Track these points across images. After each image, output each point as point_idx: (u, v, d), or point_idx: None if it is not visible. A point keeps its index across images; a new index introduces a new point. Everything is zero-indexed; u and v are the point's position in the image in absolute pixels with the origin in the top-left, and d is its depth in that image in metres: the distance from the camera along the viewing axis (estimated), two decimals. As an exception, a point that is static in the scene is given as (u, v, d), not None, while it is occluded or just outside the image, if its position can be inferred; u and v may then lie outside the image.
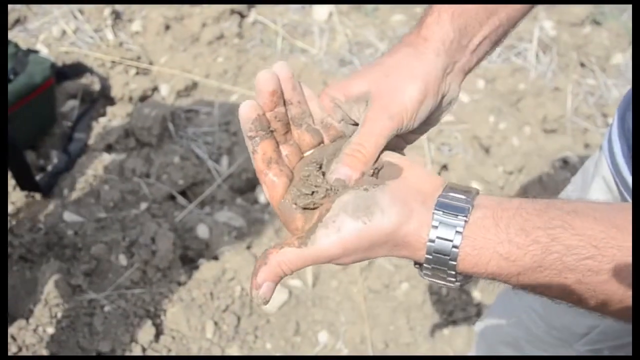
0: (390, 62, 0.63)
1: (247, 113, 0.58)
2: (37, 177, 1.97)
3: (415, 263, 0.57)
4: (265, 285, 0.56)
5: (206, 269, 1.84)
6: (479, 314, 1.88)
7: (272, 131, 0.60)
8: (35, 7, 2.58)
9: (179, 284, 1.81)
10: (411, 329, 1.85)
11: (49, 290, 1.72)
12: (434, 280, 0.56)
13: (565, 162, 2.29)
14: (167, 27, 2.54)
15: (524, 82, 2.54)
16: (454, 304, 1.91)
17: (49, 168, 2.06)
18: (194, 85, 2.41)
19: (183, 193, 2.05)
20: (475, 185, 2.19)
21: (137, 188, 2.01)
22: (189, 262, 1.89)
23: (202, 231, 1.93)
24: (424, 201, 0.54)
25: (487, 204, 0.54)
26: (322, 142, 0.64)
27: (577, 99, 2.55)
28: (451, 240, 0.52)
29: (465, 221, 0.52)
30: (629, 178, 0.83)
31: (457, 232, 0.52)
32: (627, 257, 0.48)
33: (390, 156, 0.60)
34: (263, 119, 0.59)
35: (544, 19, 2.82)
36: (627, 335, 0.98)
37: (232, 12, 2.61)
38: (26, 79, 1.99)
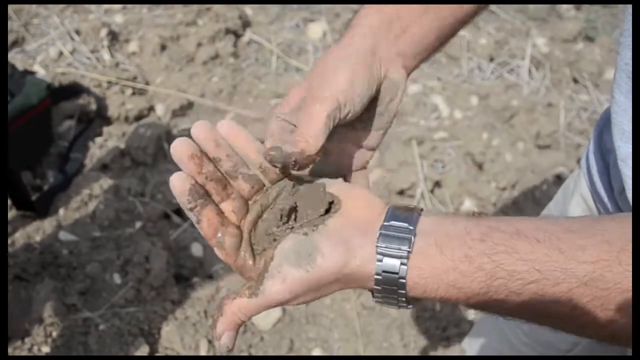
0: (321, 61, 0.64)
1: (179, 186, 0.58)
2: (33, 197, 1.99)
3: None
4: (225, 335, 0.59)
5: (200, 287, 1.85)
6: (472, 330, 1.89)
7: (209, 196, 0.60)
8: (32, 29, 2.62)
9: (173, 302, 1.81)
10: (405, 345, 1.86)
11: (44, 309, 1.74)
12: (388, 305, 0.57)
13: (558, 177, 2.30)
14: (163, 47, 2.57)
15: (517, 99, 2.56)
16: (448, 320, 1.91)
17: (45, 187, 2.07)
18: (190, 104, 2.43)
19: (177, 212, 2.06)
20: (468, 201, 2.20)
21: (132, 207, 2.03)
22: (183, 280, 1.90)
23: (197, 249, 1.95)
24: (365, 234, 0.55)
25: (430, 229, 0.54)
26: (263, 186, 0.63)
27: (570, 115, 2.56)
28: (397, 273, 0.53)
29: (409, 252, 0.53)
30: (604, 195, 0.84)
31: (401, 264, 0.53)
32: (570, 279, 0.49)
33: (330, 187, 0.60)
34: (197, 187, 0.59)
35: (537, 36, 2.84)
36: (611, 352, 0.99)
37: (227, 31, 2.65)
38: (23, 100, 2.01)
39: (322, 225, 0.56)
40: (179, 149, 0.58)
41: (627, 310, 0.48)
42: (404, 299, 0.55)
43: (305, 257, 0.55)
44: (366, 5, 0.67)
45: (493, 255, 0.51)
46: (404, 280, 0.53)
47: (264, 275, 0.56)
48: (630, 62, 0.69)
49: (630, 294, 0.48)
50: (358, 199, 0.59)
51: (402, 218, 0.55)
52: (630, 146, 0.71)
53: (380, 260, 0.53)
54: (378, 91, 0.65)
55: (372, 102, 0.65)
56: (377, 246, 0.54)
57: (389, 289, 0.54)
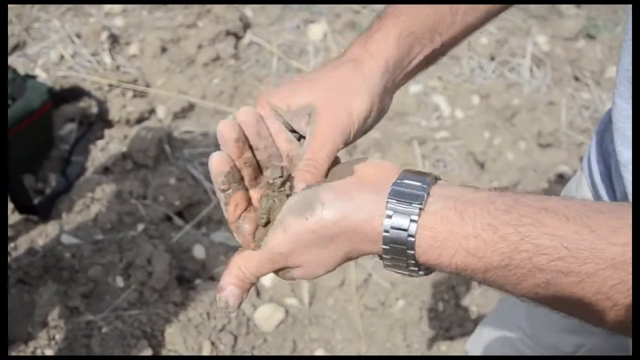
0: (333, 76, 0.64)
1: (218, 166, 0.59)
2: (35, 200, 1.99)
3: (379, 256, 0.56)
4: (228, 289, 0.57)
5: (202, 289, 1.86)
6: (475, 330, 1.88)
7: (242, 180, 0.62)
8: (33, 33, 2.62)
9: (176, 304, 1.82)
10: (408, 346, 1.86)
11: (47, 312, 1.74)
12: (397, 270, 0.54)
13: (560, 176, 2.30)
14: (164, 50, 2.57)
15: (519, 97, 2.55)
16: (451, 320, 1.91)
17: (47, 191, 2.08)
18: (191, 106, 2.43)
19: (179, 214, 2.06)
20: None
21: (133, 210, 2.03)
22: (186, 282, 1.90)
23: (199, 251, 1.95)
24: (375, 190, 0.53)
25: (450, 193, 0.52)
26: (289, 177, 0.64)
27: (571, 113, 2.56)
28: (406, 230, 0.50)
29: (420, 209, 0.51)
30: (606, 198, 0.84)
31: (411, 220, 0.50)
32: (598, 259, 0.46)
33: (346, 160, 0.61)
34: (235, 171, 0.60)
35: (537, 34, 2.84)
36: (615, 352, 0.99)
37: (228, 33, 2.65)
38: (24, 104, 2.01)
39: (327, 182, 0.56)
40: (226, 131, 0.60)
41: None
42: (413, 262, 0.52)
43: (306, 206, 0.54)
44: (386, 23, 0.68)
45: (519, 227, 0.48)
46: (412, 239, 0.50)
47: (268, 229, 0.56)
48: (630, 67, 0.69)
49: None
50: (371, 163, 0.58)
51: (416, 178, 0.53)
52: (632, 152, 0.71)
53: (390, 217, 0.51)
54: None
55: None
56: (387, 202, 0.52)
57: (398, 248, 0.51)
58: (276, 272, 0.58)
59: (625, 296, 0.46)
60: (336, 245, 0.54)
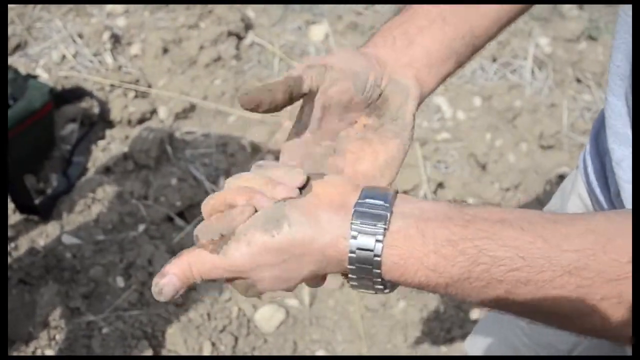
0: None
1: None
2: (37, 201, 2.00)
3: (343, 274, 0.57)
4: (169, 277, 0.56)
5: (203, 290, 1.86)
6: (476, 332, 1.88)
7: None
8: (35, 33, 2.62)
9: (176, 305, 1.82)
10: (409, 347, 1.86)
11: (48, 313, 1.74)
12: (363, 290, 0.55)
13: (562, 177, 2.30)
14: (166, 50, 2.57)
15: (520, 99, 2.55)
16: (452, 321, 1.91)
17: (49, 191, 2.08)
18: (192, 107, 2.43)
19: (181, 214, 2.06)
20: (472, 202, 2.20)
21: (135, 210, 2.03)
22: (187, 283, 1.90)
23: (200, 252, 1.95)
24: (338, 211, 0.53)
25: (409, 211, 0.53)
26: None
27: (573, 115, 2.56)
28: (372, 250, 0.51)
29: (385, 229, 0.51)
30: (600, 196, 0.84)
31: (377, 240, 0.51)
32: (554, 267, 0.48)
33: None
34: None
35: (539, 36, 2.84)
36: (611, 350, 0.99)
37: (229, 34, 2.65)
38: (25, 104, 2.02)
39: (292, 200, 0.55)
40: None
41: (611, 301, 0.47)
42: (379, 280, 0.53)
43: (273, 222, 0.53)
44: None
45: (476, 240, 0.49)
46: (379, 259, 0.51)
47: (230, 237, 0.54)
48: (621, 64, 0.69)
49: (616, 284, 0.47)
50: (330, 181, 0.57)
51: (377, 196, 0.53)
52: (625, 149, 0.71)
53: (355, 237, 0.51)
54: (382, 96, 0.64)
55: (382, 108, 0.65)
56: (351, 223, 0.52)
57: (364, 268, 0.52)
58: (229, 281, 0.57)
59: (582, 300, 0.48)
60: (299, 264, 0.54)
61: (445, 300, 1.93)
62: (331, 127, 0.64)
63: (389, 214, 0.52)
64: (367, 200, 0.53)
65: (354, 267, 0.52)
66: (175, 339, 1.75)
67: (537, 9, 2.99)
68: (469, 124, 2.46)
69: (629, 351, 0.85)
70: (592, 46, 2.85)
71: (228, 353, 1.76)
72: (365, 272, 0.52)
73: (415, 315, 1.90)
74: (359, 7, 2.91)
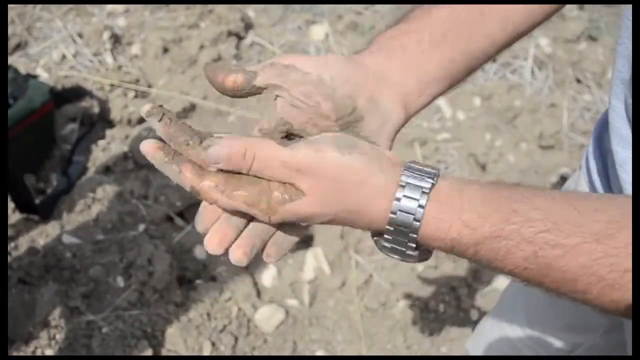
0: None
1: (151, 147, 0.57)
2: (37, 200, 2.00)
3: (375, 235, 0.57)
4: (223, 143, 0.54)
5: (203, 290, 1.86)
6: (476, 332, 1.88)
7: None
8: (35, 32, 2.62)
9: (176, 305, 1.82)
10: (408, 347, 1.86)
11: (48, 312, 1.74)
12: (393, 247, 0.55)
13: (562, 178, 2.30)
14: (166, 50, 2.57)
15: (520, 99, 2.55)
16: (452, 321, 1.91)
17: (48, 191, 2.08)
18: (192, 107, 2.43)
19: (181, 214, 2.06)
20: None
21: (135, 210, 2.03)
22: (186, 283, 1.90)
23: (200, 252, 1.95)
24: (393, 164, 0.55)
25: (449, 177, 0.55)
26: None
27: (573, 115, 2.56)
28: (417, 199, 0.52)
29: (433, 184, 0.53)
30: None
31: (423, 192, 0.52)
32: (583, 233, 0.49)
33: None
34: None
35: (539, 36, 2.84)
36: (613, 351, 0.99)
37: (230, 33, 2.65)
38: (25, 104, 2.02)
39: (360, 138, 0.57)
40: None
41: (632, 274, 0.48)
42: (414, 237, 0.54)
43: (346, 143, 0.54)
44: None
45: (510, 202, 0.52)
46: (422, 210, 0.52)
47: (301, 140, 0.55)
48: (623, 69, 0.70)
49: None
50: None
51: (424, 164, 0.55)
52: (628, 151, 0.72)
53: (403, 186, 0.53)
54: (356, 112, 0.61)
55: (356, 126, 0.62)
56: (401, 173, 0.54)
57: (405, 218, 0.53)
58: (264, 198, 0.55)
59: (609, 271, 0.49)
60: (350, 193, 0.54)
61: (445, 300, 1.93)
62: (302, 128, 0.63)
63: (437, 172, 0.54)
64: (419, 162, 0.55)
65: (395, 215, 0.53)
66: (175, 339, 1.75)
67: (537, 9, 2.98)
68: (468, 124, 2.46)
69: (629, 351, 0.85)
70: (592, 46, 2.85)
71: (228, 353, 1.76)
72: (404, 224, 0.53)
73: (415, 315, 1.90)
74: (359, 7, 2.92)
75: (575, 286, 0.51)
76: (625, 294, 0.49)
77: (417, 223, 0.53)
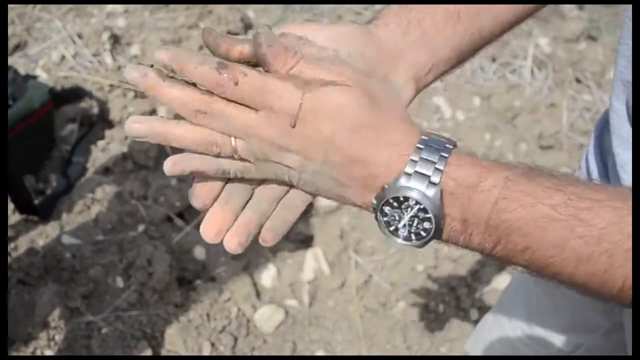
0: None
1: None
2: (36, 201, 1.99)
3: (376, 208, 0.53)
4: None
5: (203, 290, 1.86)
6: (475, 332, 1.88)
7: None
8: (35, 33, 2.62)
9: (176, 305, 1.82)
10: (408, 347, 1.86)
11: (47, 313, 1.74)
12: (392, 230, 0.53)
13: (561, 178, 2.29)
14: (165, 51, 2.57)
15: (520, 99, 2.55)
16: (451, 321, 1.91)
17: (48, 191, 2.08)
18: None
19: (180, 215, 2.06)
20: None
21: (134, 210, 2.03)
22: (186, 283, 1.90)
23: (199, 252, 1.95)
24: (412, 122, 0.54)
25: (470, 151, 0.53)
26: None
27: (573, 115, 2.56)
28: (434, 162, 0.50)
29: (452, 147, 0.51)
30: None
31: (441, 155, 0.50)
32: (606, 192, 0.48)
33: None
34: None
35: (539, 36, 2.84)
36: (614, 351, 0.99)
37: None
38: (25, 105, 2.02)
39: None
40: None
41: None
42: (446, 155, 0.50)
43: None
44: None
45: (533, 179, 0.49)
46: (446, 155, 0.49)
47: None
48: (624, 70, 0.69)
49: None
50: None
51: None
52: (629, 153, 0.71)
53: (421, 149, 0.50)
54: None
55: None
56: (421, 139, 0.51)
57: (422, 176, 0.50)
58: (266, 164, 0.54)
59: (627, 253, 0.46)
60: (362, 138, 0.51)
61: (445, 301, 1.93)
62: None
63: (456, 142, 0.52)
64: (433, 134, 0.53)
65: (410, 174, 0.50)
66: (174, 340, 1.75)
67: (537, 9, 2.98)
68: (468, 123, 2.46)
69: (629, 351, 0.85)
70: (592, 46, 2.84)
71: (227, 353, 1.76)
72: (422, 177, 0.50)
73: (415, 315, 1.90)
74: (359, 7, 2.91)
75: (601, 246, 0.47)
76: None
77: (441, 165, 0.50)
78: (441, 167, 0.50)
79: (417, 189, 0.50)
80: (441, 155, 0.50)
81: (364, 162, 0.51)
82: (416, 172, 0.50)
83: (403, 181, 0.50)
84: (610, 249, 0.47)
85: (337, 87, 0.51)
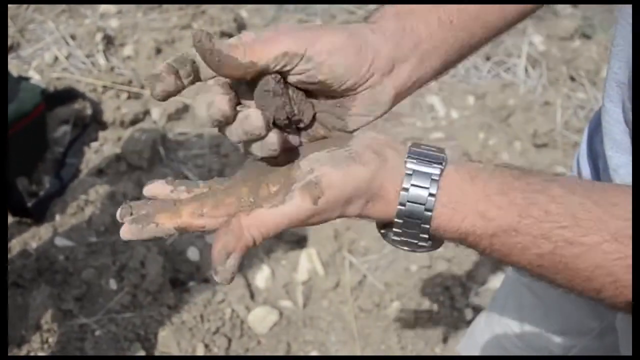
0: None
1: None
2: (29, 203, 1.99)
3: (382, 227, 0.55)
4: (232, 256, 0.49)
5: (196, 292, 1.85)
6: (470, 331, 1.88)
7: None
8: (28, 34, 2.62)
9: (169, 307, 1.81)
10: (402, 348, 1.85)
11: (40, 315, 1.73)
12: (403, 239, 0.53)
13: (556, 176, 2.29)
14: (158, 51, 2.57)
15: (514, 98, 2.55)
16: (446, 322, 1.91)
17: (41, 193, 2.07)
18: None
19: (174, 216, 2.05)
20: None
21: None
22: (180, 285, 1.90)
23: (193, 254, 1.94)
24: (397, 150, 0.52)
25: (459, 161, 0.53)
26: None
27: (567, 113, 2.56)
28: (427, 188, 0.50)
29: (441, 169, 0.50)
30: None
31: (432, 179, 0.50)
32: (602, 232, 0.47)
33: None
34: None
35: (533, 34, 2.84)
36: (606, 353, 0.99)
37: (222, 34, 2.64)
38: (17, 106, 2.01)
39: (353, 137, 0.54)
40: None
41: None
42: (427, 227, 0.51)
43: (342, 159, 0.51)
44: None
45: (527, 192, 0.49)
46: (432, 199, 0.50)
47: (290, 182, 0.51)
48: (619, 71, 0.68)
49: None
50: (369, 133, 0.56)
51: (430, 146, 0.53)
52: (621, 156, 0.71)
53: (410, 175, 0.50)
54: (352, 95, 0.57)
55: (346, 106, 0.58)
56: (406, 160, 0.51)
57: (415, 209, 0.50)
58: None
59: (625, 272, 0.47)
60: (357, 203, 0.51)
61: (439, 301, 1.93)
62: None
63: (444, 156, 0.51)
64: (422, 146, 0.53)
65: (404, 208, 0.51)
66: (168, 341, 1.74)
67: (531, 7, 2.98)
68: (462, 122, 2.46)
69: (623, 352, 0.85)
70: (586, 44, 2.85)
71: (221, 355, 1.76)
72: (415, 214, 0.51)
73: (409, 316, 1.89)
74: (352, 7, 2.91)
75: (589, 285, 0.48)
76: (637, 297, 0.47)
77: (429, 213, 0.50)
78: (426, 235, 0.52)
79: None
80: (432, 179, 0.50)
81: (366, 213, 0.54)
82: (409, 202, 0.51)
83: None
84: (598, 288, 0.48)
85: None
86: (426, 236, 0.52)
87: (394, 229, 0.52)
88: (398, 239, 0.53)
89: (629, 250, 0.46)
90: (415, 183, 0.50)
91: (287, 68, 0.53)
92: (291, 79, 0.55)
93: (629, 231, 0.46)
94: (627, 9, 0.63)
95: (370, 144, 0.53)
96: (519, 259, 0.50)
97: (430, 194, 0.50)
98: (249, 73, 0.53)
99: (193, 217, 0.53)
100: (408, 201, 0.50)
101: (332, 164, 0.50)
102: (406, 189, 0.50)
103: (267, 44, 0.53)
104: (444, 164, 0.51)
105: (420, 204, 0.50)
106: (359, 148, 0.52)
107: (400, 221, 0.51)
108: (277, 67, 0.53)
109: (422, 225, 0.51)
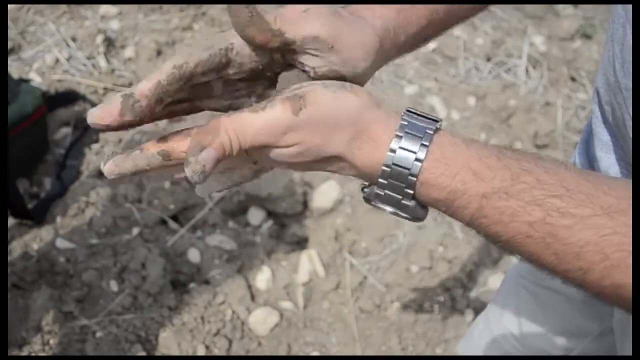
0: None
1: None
2: (30, 205, 1.99)
3: (364, 187, 0.54)
4: (206, 150, 0.48)
5: (197, 293, 1.85)
6: (470, 332, 1.88)
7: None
8: (28, 36, 2.62)
9: (170, 308, 1.81)
10: (403, 349, 1.85)
11: (41, 317, 1.74)
12: (387, 194, 0.51)
13: (556, 177, 2.29)
14: (159, 53, 2.57)
15: (515, 98, 2.55)
16: (446, 323, 1.91)
17: (42, 195, 2.07)
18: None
19: (174, 217, 2.06)
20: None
21: (128, 213, 2.03)
22: (180, 286, 1.90)
23: (194, 255, 1.94)
24: (392, 109, 0.53)
25: (453, 132, 0.53)
26: None
27: (568, 114, 2.56)
28: (420, 137, 0.50)
29: (437, 127, 0.51)
30: None
31: (427, 133, 0.50)
32: (594, 205, 0.46)
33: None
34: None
35: (534, 35, 2.83)
36: (605, 354, 0.99)
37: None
38: (18, 108, 2.01)
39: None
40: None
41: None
42: (414, 180, 0.50)
43: (335, 84, 0.51)
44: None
45: (521, 162, 0.49)
46: (425, 149, 0.49)
47: (277, 94, 0.51)
48: (597, 75, 0.69)
49: None
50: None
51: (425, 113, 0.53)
52: (610, 156, 0.71)
53: (405, 124, 0.50)
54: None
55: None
56: (403, 113, 0.52)
57: (406, 157, 0.49)
58: (251, 152, 0.52)
59: (615, 250, 0.45)
60: (341, 135, 0.50)
61: (440, 302, 1.93)
62: None
63: (441, 121, 0.52)
64: (417, 111, 0.53)
65: (393, 154, 0.50)
66: (169, 343, 1.75)
67: (531, 7, 2.99)
68: (463, 123, 2.46)
69: (620, 352, 0.85)
70: (586, 44, 2.84)
71: (222, 356, 1.76)
72: (404, 163, 0.50)
73: (410, 317, 1.89)
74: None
75: (577, 262, 0.47)
76: (627, 278, 0.45)
77: (419, 164, 0.49)
78: (411, 192, 0.50)
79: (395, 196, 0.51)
80: (426, 132, 0.50)
81: (347, 162, 0.53)
82: (400, 148, 0.50)
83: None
84: (586, 266, 0.47)
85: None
86: (411, 192, 0.50)
87: (379, 179, 0.51)
88: (382, 192, 0.52)
89: (620, 227, 0.45)
90: (409, 131, 0.50)
91: (313, 53, 0.54)
92: (309, 62, 0.54)
93: (621, 207, 0.45)
94: (617, 9, 0.63)
95: (369, 91, 0.53)
96: (508, 228, 0.48)
97: (423, 144, 0.49)
98: (274, 41, 0.52)
99: (179, 139, 0.52)
100: (400, 147, 0.49)
101: (323, 85, 0.50)
102: (399, 137, 0.50)
103: (299, 21, 0.53)
104: (439, 124, 0.51)
105: (412, 151, 0.49)
106: (355, 85, 0.52)
107: (388, 169, 0.50)
108: (304, 47, 0.53)
109: (410, 177, 0.50)
